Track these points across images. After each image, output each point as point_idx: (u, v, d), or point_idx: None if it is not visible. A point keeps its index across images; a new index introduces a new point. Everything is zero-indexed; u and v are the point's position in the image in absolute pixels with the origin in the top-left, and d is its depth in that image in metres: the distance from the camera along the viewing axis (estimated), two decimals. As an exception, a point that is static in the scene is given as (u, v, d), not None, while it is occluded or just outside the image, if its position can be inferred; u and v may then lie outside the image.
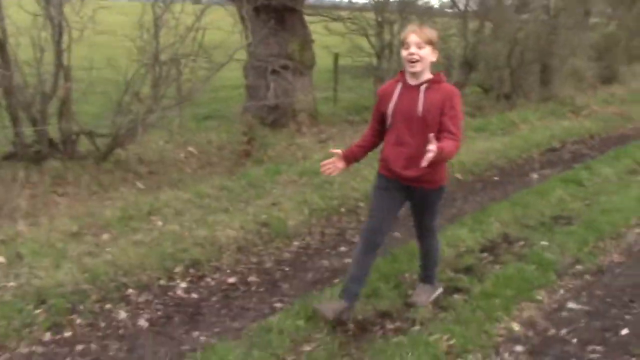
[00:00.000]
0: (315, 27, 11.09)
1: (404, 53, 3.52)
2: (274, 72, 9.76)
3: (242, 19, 9.19)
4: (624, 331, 3.95)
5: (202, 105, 10.67)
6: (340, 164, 3.78)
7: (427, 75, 3.58)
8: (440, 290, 4.21)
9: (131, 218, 5.23)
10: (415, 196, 3.75)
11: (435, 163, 3.29)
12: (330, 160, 3.77)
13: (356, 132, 9.73)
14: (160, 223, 5.18)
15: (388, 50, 11.45)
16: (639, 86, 15.78)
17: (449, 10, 14.17)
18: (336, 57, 12.35)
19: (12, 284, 3.98)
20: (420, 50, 3.47)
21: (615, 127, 11.10)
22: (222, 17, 7.92)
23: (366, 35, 11.32)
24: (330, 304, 3.72)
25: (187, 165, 7.99)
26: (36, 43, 6.67)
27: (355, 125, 10.41)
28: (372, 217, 3.76)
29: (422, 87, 3.54)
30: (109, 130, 7.30)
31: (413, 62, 3.48)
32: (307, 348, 3.49)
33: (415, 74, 3.54)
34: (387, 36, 11.47)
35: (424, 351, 3.44)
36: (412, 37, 3.49)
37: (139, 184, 7.08)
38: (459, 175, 7.30)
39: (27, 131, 6.95)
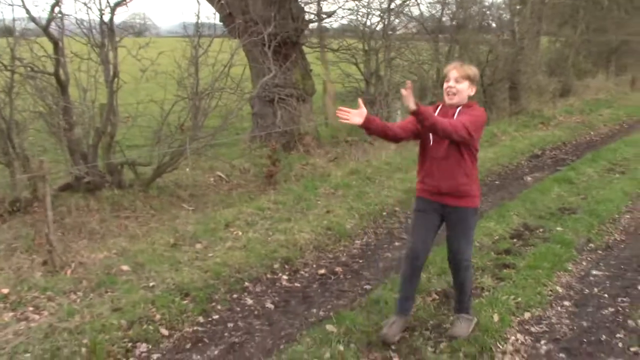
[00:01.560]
0: (308, 57, 12.13)
1: (445, 85, 3.86)
2: (280, 100, 10.74)
3: (249, 53, 10.23)
4: (640, 287, 5.06)
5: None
6: (357, 120, 3.72)
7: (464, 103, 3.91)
8: (476, 320, 4.24)
9: (214, 230, 6.09)
10: (452, 218, 3.97)
11: (428, 128, 3.65)
12: (354, 110, 3.74)
13: (357, 150, 10.77)
14: (240, 232, 6.07)
15: (375, 76, 12.59)
16: (591, 97, 17.38)
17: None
18: (325, 84, 13.41)
19: (152, 283, 4.82)
20: (457, 84, 3.80)
21: (582, 134, 12.50)
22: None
23: (355, 64, 12.43)
24: (390, 328, 4.04)
25: (219, 188, 8.83)
26: (84, 85, 7.46)
27: (354, 144, 11.40)
28: (414, 239, 4.02)
29: (458, 109, 3.85)
30: (154, 159, 8.12)
31: (450, 94, 3.83)
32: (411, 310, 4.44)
33: (452, 104, 3.87)
34: (373, 64, 12.62)
35: (500, 307, 4.46)
36: (453, 73, 3.83)
37: (186, 206, 7.90)
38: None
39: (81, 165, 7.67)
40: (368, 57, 12.48)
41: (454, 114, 3.84)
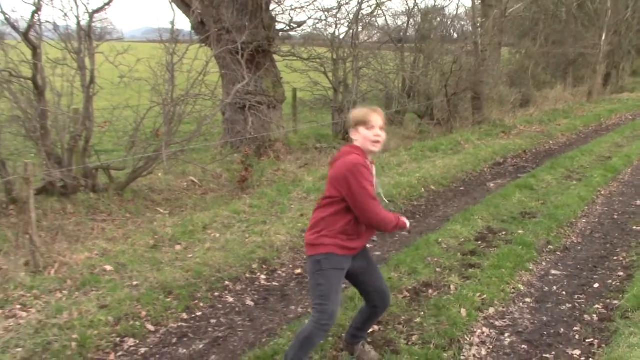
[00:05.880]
0: (278, 65, 12.39)
1: (368, 133, 3.46)
2: (251, 107, 10.96)
3: (222, 60, 10.43)
4: (596, 285, 5.44)
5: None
6: None
7: None
8: None
9: (192, 232, 6.28)
10: (363, 256, 3.75)
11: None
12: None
13: (327, 157, 11.04)
14: (217, 234, 6.27)
15: (343, 84, 12.91)
16: (550, 107, 18.01)
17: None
18: (295, 92, 13.70)
19: (136, 282, 4.99)
20: (382, 132, 3.51)
21: (541, 143, 13.00)
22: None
23: (324, 72, 12.73)
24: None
25: (192, 192, 9.01)
26: (59, 90, 7.57)
27: (323, 151, 11.67)
28: (334, 300, 3.58)
29: (374, 166, 3.59)
30: (128, 164, 8.27)
31: (379, 143, 3.51)
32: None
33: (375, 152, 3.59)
34: (341, 72, 12.94)
35: (468, 303, 4.77)
36: (378, 121, 3.50)
37: (162, 210, 8.06)
38: (433, 187, 8.76)
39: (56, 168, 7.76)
40: (336, 66, 12.78)
41: (373, 171, 3.55)
